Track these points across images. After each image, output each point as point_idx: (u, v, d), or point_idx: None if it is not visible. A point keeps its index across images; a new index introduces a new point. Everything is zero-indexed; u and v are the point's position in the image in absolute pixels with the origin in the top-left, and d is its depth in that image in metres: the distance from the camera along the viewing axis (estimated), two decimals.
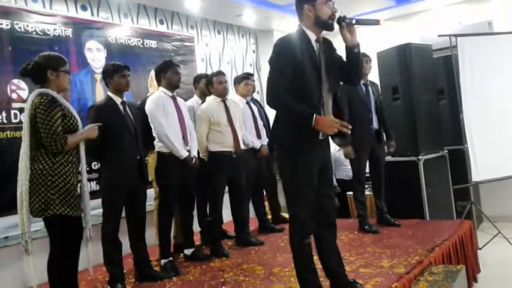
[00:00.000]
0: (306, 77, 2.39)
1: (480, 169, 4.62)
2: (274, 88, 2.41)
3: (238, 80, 4.58)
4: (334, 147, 5.53)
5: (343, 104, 2.71)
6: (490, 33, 5.32)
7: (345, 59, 2.54)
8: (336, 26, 2.46)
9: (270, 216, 4.90)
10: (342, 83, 2.70)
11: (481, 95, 4.68)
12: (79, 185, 2.67)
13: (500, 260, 4.30)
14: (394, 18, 6.35)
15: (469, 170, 4.66)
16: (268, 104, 2.45)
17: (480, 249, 4.38)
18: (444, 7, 6.07)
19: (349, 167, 5.58)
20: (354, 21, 2.45)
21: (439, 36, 4.86)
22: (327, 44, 2.54)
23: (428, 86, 4.80)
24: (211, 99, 4.02)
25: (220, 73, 4.07)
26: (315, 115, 2.30)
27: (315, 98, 2.42)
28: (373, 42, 5.22)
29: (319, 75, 2.43)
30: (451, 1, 5.96)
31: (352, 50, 2.48)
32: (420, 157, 4.48)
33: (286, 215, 5.00)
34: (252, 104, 4.58)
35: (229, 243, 4.19)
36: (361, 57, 2.59)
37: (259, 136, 4.43)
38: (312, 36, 2.47)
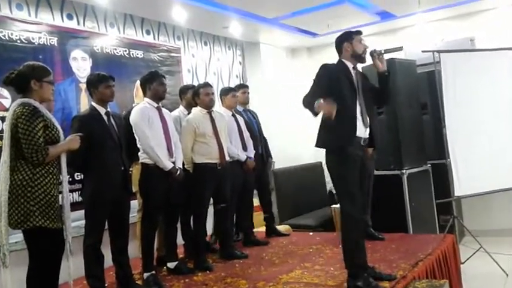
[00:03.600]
0: (343, 93, 2.95)
1: (462, 184, 4.67)
2: (306, 94, 2.98)
3: (224, 92, 4.58)
4: None
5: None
6: (472, 50, 5.42)
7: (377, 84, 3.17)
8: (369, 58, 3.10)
9: (264, 229, 4.89)
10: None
11: (463, 110, 4.75)
12: (60, 196, 2.63)
13: (482, 274, 4.34)
14: (379, 34, 6.43)
15: (451, 185, 4.70)
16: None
17: (463, 263, 4.42)
18: (428, 23, 6.18)
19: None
20: (382, 52, 3.12)
21: (422, 51, 4.93)
22: (361, 74, 3.17)
23: (412, 100, 4.88)
24: (197, 110, 4.01)
25: (207, 85, 4.06)
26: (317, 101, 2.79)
27: (352, 109, 2.96)
28: None
29: (355, 91, 3.01)
30: (434, 17, 6.07)
31: (384, 74, 3.12)
32: (404, 171, 4.53)
33: (279, 228, 5.02)
34: (244, 114, 4.71)
35: (213, 256, 4.14)
36: (390, 79, 3.15)
37: (245, 148, 4.43)
38: (350, 65, 3.08)
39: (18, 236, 2.76)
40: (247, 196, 4.57)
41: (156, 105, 3.62)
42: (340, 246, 3.05)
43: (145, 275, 3.46)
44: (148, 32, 5.10)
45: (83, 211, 3.23)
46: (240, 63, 6.56)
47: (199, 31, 5.81)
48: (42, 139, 2.48)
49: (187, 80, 5.43)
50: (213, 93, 4.01)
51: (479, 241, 4.62)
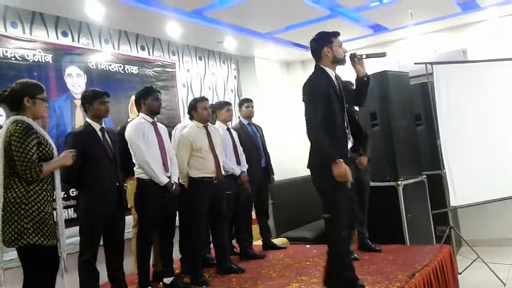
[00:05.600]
0: (333, 106, 2.83)
1: (458, 194, 4.68)
2: (311, 124, 2.79)
3: (219, 106, 4.61)
4: None
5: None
6: (465, 61, 5.48)
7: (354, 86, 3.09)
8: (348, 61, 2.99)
9: (260, 242, 4.87)
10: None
11: (456, 120, 4.78)
12: (54, 213, 2.62)
13: (479, 284, 4.33)
14: (372, 46, 6.50)
15: (447, 195, 4.71)
16: (308, 137, 2.82)
17: (460, 273, 4.40)
18: (420, 36, 6.24)
19: None
20: (364, 56, 2.98)
21: (415, 64, 4.97)
22: (339, 79, 3.02)
23: (406, 112, 4.91)
24: (192, 125, 4.02)
25: (204, 99, 4.08)
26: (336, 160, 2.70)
27: (340, 122, 2.86)
28: (351, 70, 5.31)
29: (342, 104, 2.91)
30: (427, 30, 6.14)
31: (363, 79, 3.00)
32: (399, 182, 4.53)
33: (276, 241, 5.00)
34: (248, 128, 4.78)
35: (210, 270, 4.12)
36: (369, 83, 3.06)
37: (238, 163, 4.44)
38: (332, 73, 2.93)
39: (13, 254, 2.74)
40: (243, 210, 4.56)
41: (151, 120, 3.63)
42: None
43: None
44: (143, 48, 5.14)
45: (77, 227, 3.23)
46: (235, 77, 6.60)
47: (194, 46, 5.85)
48: (35, 156, 2.48)
49: (182, 95, 5.46)
50: (209, 107, 4.04)
51: (476, 251, 4.61)
